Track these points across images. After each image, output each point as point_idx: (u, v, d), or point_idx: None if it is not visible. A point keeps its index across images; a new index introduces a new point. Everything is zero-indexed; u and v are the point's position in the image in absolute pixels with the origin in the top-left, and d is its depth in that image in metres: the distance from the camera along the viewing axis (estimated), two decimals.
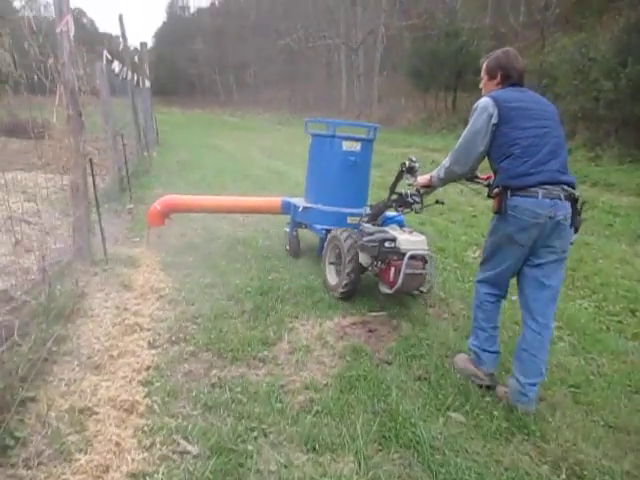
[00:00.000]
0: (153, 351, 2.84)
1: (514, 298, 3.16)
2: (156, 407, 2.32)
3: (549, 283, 2.48)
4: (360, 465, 2.05)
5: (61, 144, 3.56)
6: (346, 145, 4.19)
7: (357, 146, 4.22)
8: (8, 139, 8.65)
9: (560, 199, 2.37)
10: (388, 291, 3.43)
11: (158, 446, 2.06)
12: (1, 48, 2.55)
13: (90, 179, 3.95)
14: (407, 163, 3.22)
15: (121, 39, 10.33)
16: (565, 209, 2.38)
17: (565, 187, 2.40)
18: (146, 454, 2.00)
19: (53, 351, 2.61)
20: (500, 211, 2.49)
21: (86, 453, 1.96)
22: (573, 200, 2.42)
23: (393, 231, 3.53)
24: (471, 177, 2.96)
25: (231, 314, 3.38)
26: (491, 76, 2.70)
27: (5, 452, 1.90)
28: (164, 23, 63.00)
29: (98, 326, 3.03)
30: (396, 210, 3.58)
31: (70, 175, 3.69)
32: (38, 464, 1.88)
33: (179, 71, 49.16)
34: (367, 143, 4.30)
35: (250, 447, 2.11)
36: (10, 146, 8.05)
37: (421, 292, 3.64)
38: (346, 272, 3.64)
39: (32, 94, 3.00)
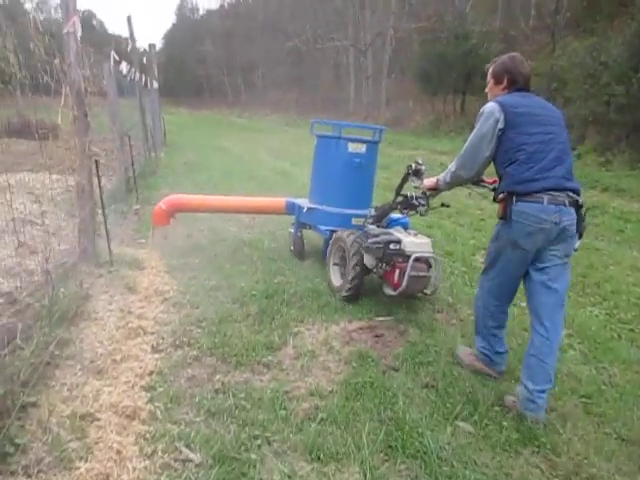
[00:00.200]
0: (156, 355, 2.81)
1: (523, 304, 3.11)
2: (158, 413, 2.29)
3: (555, 287, 2.48)
4: (365, 476, 2.01)
5: (67, 145, 3.54)
6: (351, 147, 4.20)
7: (362, 148, 4.22)
8: (17, 140, 8.67)
9: (565, 205, 2.39)
10: (392, 293, 3.45)
11: (160, 454, 2.02)
12: (5, 49, 2.53)
13: (96, 180, 3.93)
14: (413, 165, 3.23)
15: (129, 40, 10.34)
16: (570, 215, 2.40)
17: (570, 194, 2.41)
18: (147, 462, 1.96)
19: (56, 355, 2.58)
20: (505, 216, 2.50)
21: (86, 461, 1.92)
22: (577, 206, 2.44)
23: (398, 233, 3.55)
24: (477, 181, 2.97)
25: (236, 318, 3.35)
26: (497, 81, 2.72)
27: (5, 459, 1.87)
28: (173, 25, 63.36)
29: (101, 329, 3.00)
30: (401, 212, 3.57)
31: (75, 176, 3.67)
32: (38, 472, 1.85)
33: (188, 72, 49.31)
34: (373, 145, 4.30)
35: (253, 456, 2.07)
36: (18, 147, 8.06)
37: (425, 294, 3.65)
38: (350, 273, 3.63)
39: (37, 95, 2.99)
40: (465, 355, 2.93)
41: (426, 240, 3.51)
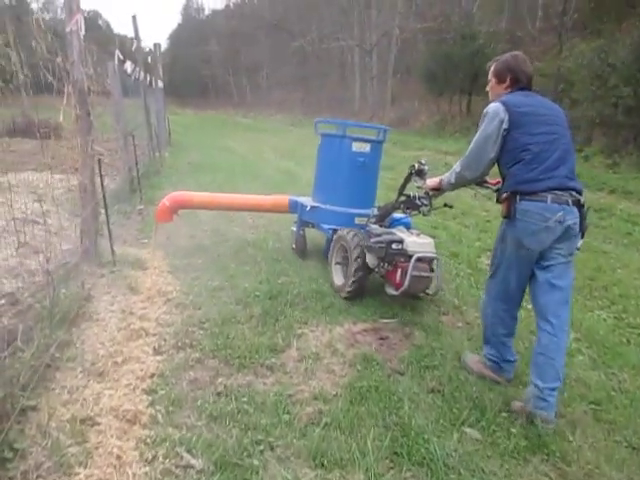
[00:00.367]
0: (158, 357, 2.77)
1: (529, 307, 3.06)
2: (159, 417, 2.25)
3: (560, 284, 2.46)
4: None
5: (69, 144, 3.52)
6: (355, 146, 4.18)
7: (366, 147, 4.20)
8: (21, 139, 8.68)
9: (568, 204, 2.39)
10: (394, 293, 3.45)
11: (160, 459, 1.98)
12: (7, 47, 2.50)
13: (98, 179, 3.90)
14: (416, 166, 3.23)
15: (134, 40, 10.33)
16: (574, 214, 2.40)
17: (573, 193, 2.42)
18: (148, 468, 1.92)
19: (56, 357, 2.55)
20: (509, 215, 2.50)
21: (86, 467, 1.88)
22: (580, 205, 2.44)
23: (401, 233, 3.54)
24: (480, 182, 2.95)
25: (239, 319, 3.31)
26: (500, 79, 2.70)
27: (4, 465, 1.83)
28: (179, 25, 63.49)
29: (103, 331, 2.97)
30: (404, 212, 3.56)
31: (78, 175, 3.65)
32: (37, 477, 1.81)
33: (193, 72, 49.39)
34: (377, 144, 4.28)
35: (256, 462, 2.02)
36: (23, 146, 8.06)
37: (427, 294, 3.64)
38: (352, 273, 3.61)
39: (39, 94, 2.96)
40: (473, 362, 2.88)
41: (428, 240, 3.50)
